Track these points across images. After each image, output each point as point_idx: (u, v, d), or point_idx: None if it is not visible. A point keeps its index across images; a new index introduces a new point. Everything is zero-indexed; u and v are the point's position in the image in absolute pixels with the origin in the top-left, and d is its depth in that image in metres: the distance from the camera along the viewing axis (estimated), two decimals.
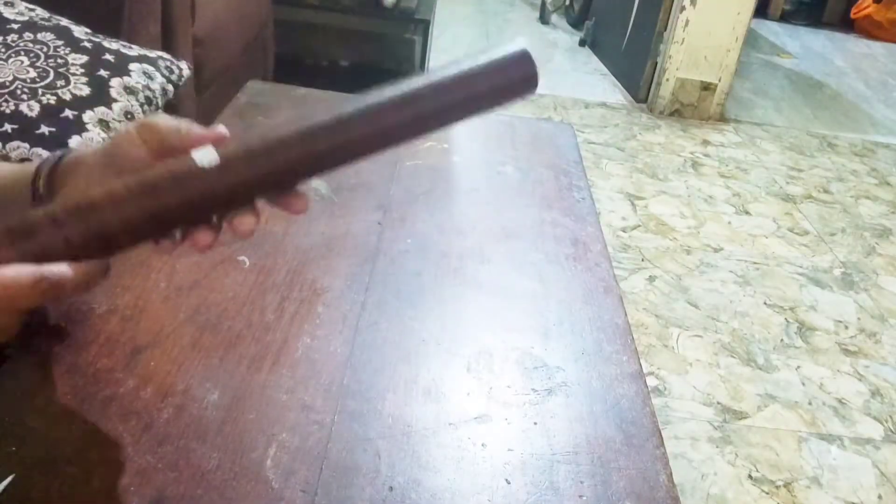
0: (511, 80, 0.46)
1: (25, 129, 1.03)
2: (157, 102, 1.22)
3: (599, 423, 0.60)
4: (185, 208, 0.43)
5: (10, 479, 0.47)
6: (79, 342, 0.59)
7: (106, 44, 1.20)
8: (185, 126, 0.47)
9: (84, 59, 1.15)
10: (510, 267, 0.79)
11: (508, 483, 0.53)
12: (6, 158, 1.01)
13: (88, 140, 1.06)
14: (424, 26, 2.85)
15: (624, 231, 2.33)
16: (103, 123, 1.09)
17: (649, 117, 3.28)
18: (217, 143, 0.46)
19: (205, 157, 0.43)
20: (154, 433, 0.53)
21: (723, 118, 3.35)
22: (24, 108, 1.04)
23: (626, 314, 0.74)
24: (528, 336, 0.69)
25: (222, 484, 0.50)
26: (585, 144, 2.88)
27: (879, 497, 1.48)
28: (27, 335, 0.59)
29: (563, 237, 0.85)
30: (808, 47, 4.68)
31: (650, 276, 2.11)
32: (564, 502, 0.52)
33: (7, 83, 1.06)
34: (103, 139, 1.07)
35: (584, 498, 0.53)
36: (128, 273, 0.68)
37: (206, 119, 0.60)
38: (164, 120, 0.47)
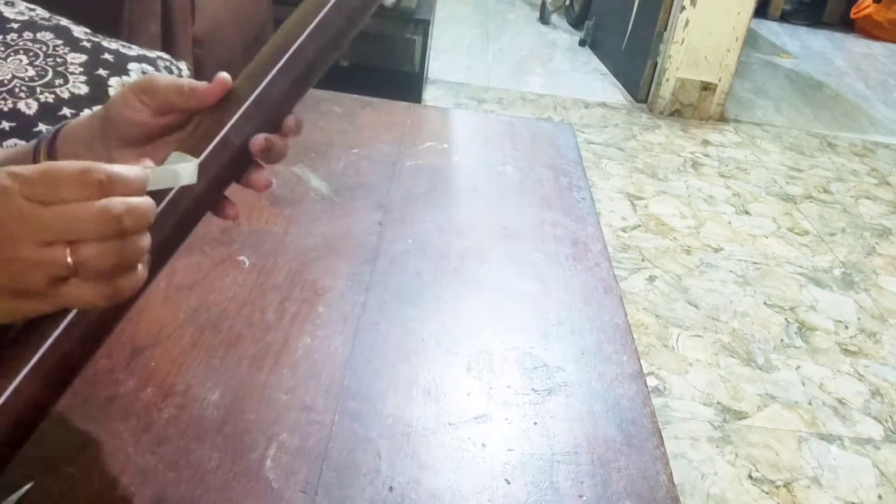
0: None
1: (23, 127, 1.03)
2: None
3: (599, 423, 0.60)
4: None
5: (29, 486, 0.47)
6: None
7: (105, 43, 1.20)
8: (186, 83, 0.46)
9: (83, 58, 1.15)
10: (510, 267, 0.79)
11: (508, 483, 0.53)
12: None
13: None
14: (424, 26, 2.85)
15: (624, 231, 2.33)
16: None
17: (649, 117, 3.28)
18: (222, 95, 0.46)
19: (185, 171, 0.43)
20: (154, 433, 0.53)
21: (723, 118, 3.35)
22: (21, 106, 1.04)
23: (626, 314, 0.74)
24: (528, 336, 0.69)
25: (222, 484, 0.50)
26: (585, 144, 2.88)
27: (879, 497, 1.48)
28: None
29: (563, 237, 0.85)
30: (808, 47, 4.68)
31: (650, 276, 2.11)
32: (564, 502, 0.52)
33: (6, 81, 1.06)
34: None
35: (584, 498, 0.53)
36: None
37: None
38: (162, 79, 0.47)
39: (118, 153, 0.48)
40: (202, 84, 0.46)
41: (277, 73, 0.46)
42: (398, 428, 0.56)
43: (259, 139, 0.46)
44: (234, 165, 0.46)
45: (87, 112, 1.09)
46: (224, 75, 0.46)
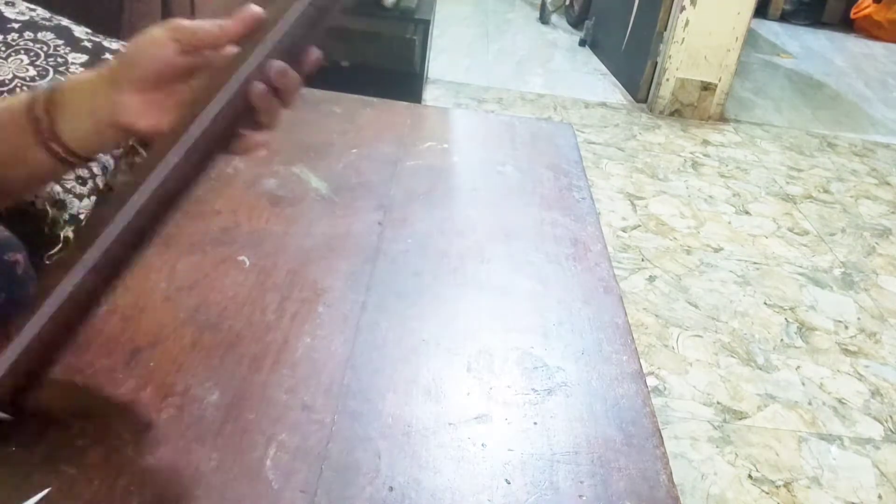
0: None
1: None
2: None
3: (599, 423, 0.60)
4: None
5: (46, 492, 0.47)
6: (79, 342, 0.59)
7: (106, 43, 1.20)
8: (218, 22, 0.50)
9: (84, 58, 1.15)
10: (510, 267, 0.79)
11: (508, 483, 0.53)
12: None
13: None
14: (424, 26, 2.85)
15: (624, 231, 2.33)
16: None
17: (649, 117, 3.28)
18: (255, 27, 0.50)
19: None
20: (154, 433, 0.53)
21: (723, 118, 3.35)
22: None
23: (626, 314, 0.74)
24: (528, 336, 0.69)
25: (222, 484, 0.50)
26: (585, 144, 2.88)
27: (879, 497, 1.48)
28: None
29: (563, 237, 0.85)
30: (808, 47, 4.68)
31: (650, 276, 2.11)
32: (564, 502, 0.52)
33: (7, 81, 1.06)
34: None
35: (584, 498, 0.53)
36: (128, 273, 0.68)
37: None
38: (190, 21, 0.50)
39: (127, 98, 0.50)
40: (230, 21, 0.50)
41: (299, 17, 0.52)
42: (398, 428, 0.56)
43: (278, 65, 0.49)
44: (246, 100, 0.50)
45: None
46: (254, 9, 0.50)
